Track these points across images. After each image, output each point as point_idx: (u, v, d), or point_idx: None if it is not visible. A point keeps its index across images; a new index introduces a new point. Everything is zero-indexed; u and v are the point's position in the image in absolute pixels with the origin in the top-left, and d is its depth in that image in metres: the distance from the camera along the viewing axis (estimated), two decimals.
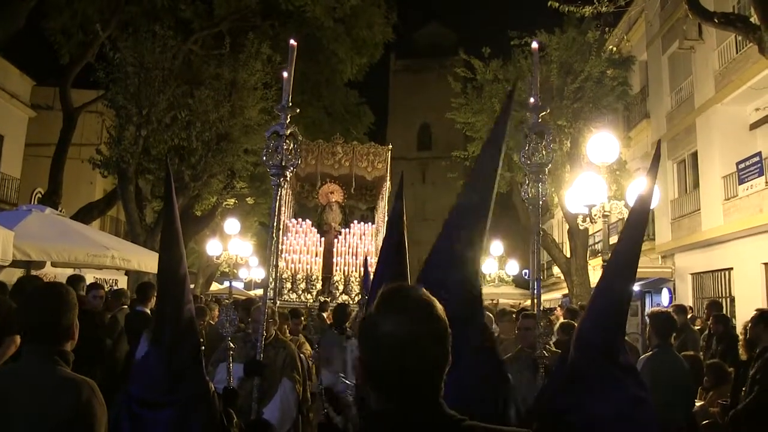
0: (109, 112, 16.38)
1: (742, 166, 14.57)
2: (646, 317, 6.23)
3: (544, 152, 3.97)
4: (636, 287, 21.25)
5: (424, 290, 1.56)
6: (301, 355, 5.66)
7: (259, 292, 18.26)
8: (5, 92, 21.99)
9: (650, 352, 5.10)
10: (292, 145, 4.20)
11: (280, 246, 12.77)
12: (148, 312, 6.91)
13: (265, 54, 16.52)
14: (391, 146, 14.80)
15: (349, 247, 13.74)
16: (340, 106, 24.23)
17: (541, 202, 4.34)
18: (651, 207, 7.09)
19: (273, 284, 9.35)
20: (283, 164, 4.11)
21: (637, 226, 1.76)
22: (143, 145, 15.09)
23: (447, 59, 37.91)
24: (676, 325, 5.68)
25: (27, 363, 2.51)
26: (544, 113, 4.14)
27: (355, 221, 15.02)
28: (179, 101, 15.43)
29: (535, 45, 4.35)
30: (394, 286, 1.59)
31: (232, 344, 4.30)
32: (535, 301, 4.29)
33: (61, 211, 16.04)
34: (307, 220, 14.82)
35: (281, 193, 4.18)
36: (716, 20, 9.89)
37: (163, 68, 15.15)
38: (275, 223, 4.18)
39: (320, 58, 21.19)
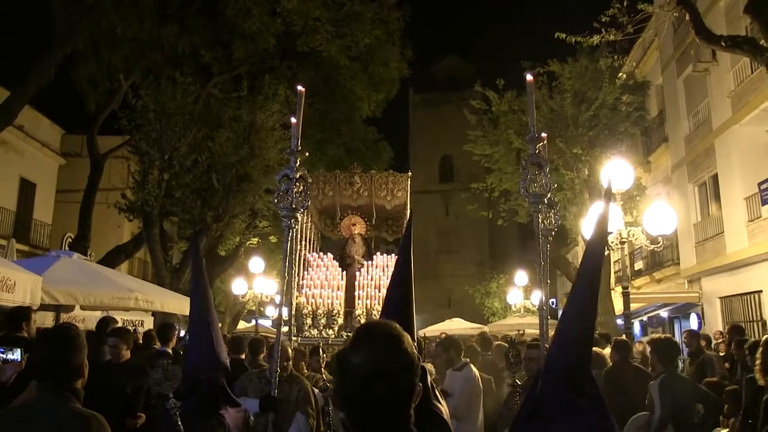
0: (134, 157, 16.82)
1: (764, 186, 14.42)
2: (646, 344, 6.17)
3: (542, 183, 4.07)
4: (663, 313, 21.10)
5: (395, 325, 1.67)
6: (316, 389, 5.74)
7: (283, 329, 18.22)
8: (37, 141, 22.74)
9: (657, 379, 5.02)
10: (302, 187, 4.37)
11: (301, 281, 12.85)
12: (170, 352, 7.05)
13: (282, 95, 16.86)
14: (410, 173, 14.77)
15: (371, 280, 13.62)
16: (360, 142, 24.42)
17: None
18: (671, 233, 6.92)
19: (290, 320, 9.38)
20: (294, 206, 4.27)
21: (596, 251, 1.84)
22: (166, 189, 15.45)
23: (465, 91, 37.83)
24: (679, 349, 5.62)
25: (41, 399, 2.71)
26: (542, 143, 4.22)
27: (378, 253, 14.95)
28: (200, 145, 15.77)
29: (529, 77, 4.33)
30: (367, 323, 1.76)
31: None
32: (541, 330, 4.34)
33: (90, 255, 16.40)
34: (329, 254, 14.81)
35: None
36: (723, 43, 9.81)
37: (184, 113, 15.54)
38: (287, 263, 4.33)
39: (338, 96, 21.50)
